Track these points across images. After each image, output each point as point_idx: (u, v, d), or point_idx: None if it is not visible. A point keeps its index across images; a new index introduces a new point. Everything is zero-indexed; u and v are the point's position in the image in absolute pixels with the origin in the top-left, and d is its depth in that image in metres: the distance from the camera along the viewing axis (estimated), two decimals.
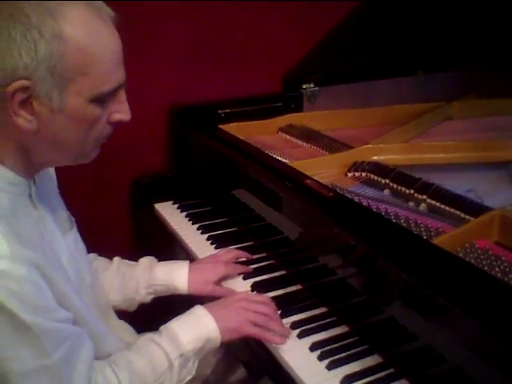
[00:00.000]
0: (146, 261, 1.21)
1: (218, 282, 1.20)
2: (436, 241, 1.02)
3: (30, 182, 0.86)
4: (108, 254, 1.25)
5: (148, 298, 1.19)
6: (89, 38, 0.76)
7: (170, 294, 1.19)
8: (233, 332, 1.01)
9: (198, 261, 1.26)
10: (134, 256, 1.26)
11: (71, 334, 0.81)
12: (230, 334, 1.01)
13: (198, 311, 1.01)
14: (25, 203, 0.84)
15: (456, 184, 1.30)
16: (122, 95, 0.84)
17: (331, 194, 1.17)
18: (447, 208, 1.21)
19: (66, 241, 0.94)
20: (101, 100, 0.80)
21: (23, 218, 0.81)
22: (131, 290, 1.17)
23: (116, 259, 1.21)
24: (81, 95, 0.77)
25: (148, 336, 0.97)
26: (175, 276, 1.17)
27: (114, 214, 1.73)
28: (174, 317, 1.01)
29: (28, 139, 0.79)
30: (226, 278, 1.22)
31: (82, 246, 1.02)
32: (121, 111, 0.84)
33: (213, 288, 1.17)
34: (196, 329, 0.97)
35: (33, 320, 0.74)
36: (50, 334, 0.77)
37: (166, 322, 1.00)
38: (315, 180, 1.24)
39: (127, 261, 1.22)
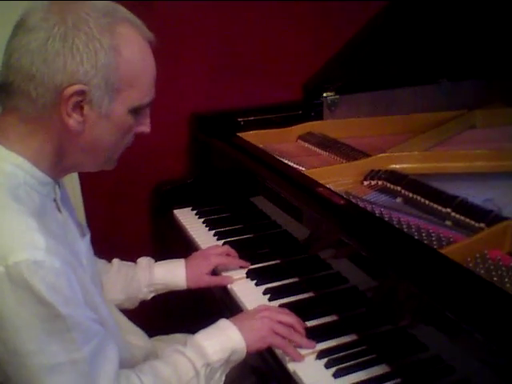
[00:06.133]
0: (144, 261, 1.28)
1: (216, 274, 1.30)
2: (446, 250, 1.01)
3: (55, 185, 0.90)
4: (127, 256, 1.30)
5: (149, 296, 1.27)
6: (138, 54, 0.85)
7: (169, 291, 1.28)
8: (259, 341, 1.01)
9: (191, 257, 1.32)
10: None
11: (98, 332, 0.82)
12: (257, 343, 1.01)
13: (223, 324, 1.02)
14: (51, 205, 0.88)
15: (474, 193, 1.28)
16: (148, 110, 0.92)
17: (342, 202, 1.17)
18: (462, 217, 1.19)
19: (83, 245, 0.97)
20: (137, 111, 0.87)
21: (51, 218, 0.85)
22: (134, 289, 1.24)
23: (115, 261, 1.27)
24: (125, 105, 0.85)
25: (173, 347, 0.98)
26: (174, 275, 1.26)
27: (135, 217, 1.77)
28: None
29: (68, 141, 0.84)
30: (221, 269, 1.31)
31: (92, 252, 1.06)
32: (144, 124, 0.92)
33: (208, 279, 1.28)
34: (221, 340, 0.98)
35: (67, 312, 0.75)
36: (81, 328, 0.78)
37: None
38: (328, 188, 1.25)
39: (126, 262, 1.28)
